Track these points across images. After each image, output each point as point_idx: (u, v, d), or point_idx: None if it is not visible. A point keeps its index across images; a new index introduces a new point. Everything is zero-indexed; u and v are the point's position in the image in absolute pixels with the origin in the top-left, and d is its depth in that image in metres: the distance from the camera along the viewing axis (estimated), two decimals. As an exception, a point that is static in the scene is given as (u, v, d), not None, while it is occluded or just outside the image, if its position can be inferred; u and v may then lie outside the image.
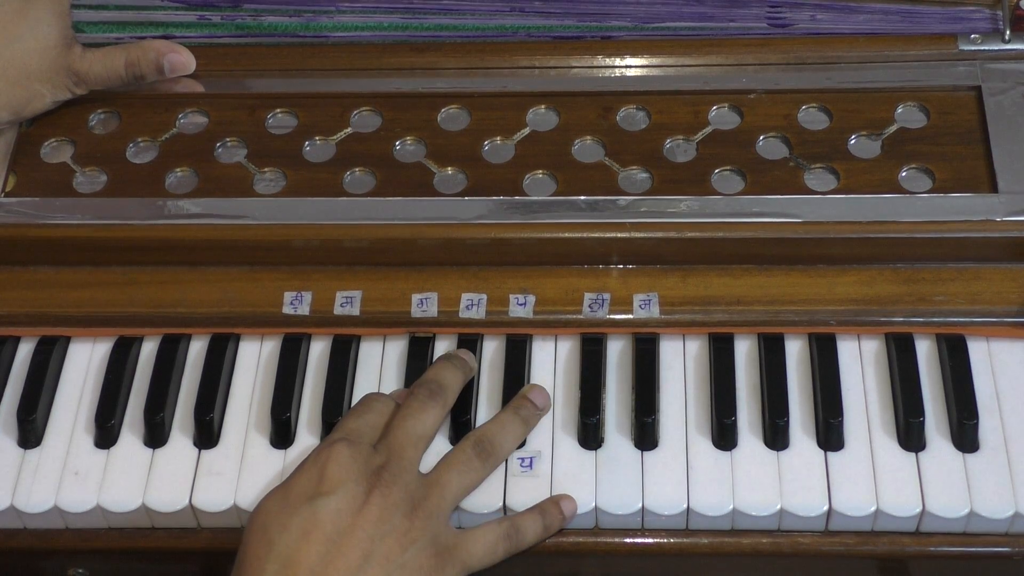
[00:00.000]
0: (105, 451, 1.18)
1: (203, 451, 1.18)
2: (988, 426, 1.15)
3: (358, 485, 1.05)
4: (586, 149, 1.27)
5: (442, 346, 1.21)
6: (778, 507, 1.12)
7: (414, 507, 1.06)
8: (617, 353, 1.21)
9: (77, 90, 1.30)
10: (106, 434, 1.19)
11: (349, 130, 1.29)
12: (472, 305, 1.21)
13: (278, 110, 1.30)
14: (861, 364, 1.19)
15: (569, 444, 1.16)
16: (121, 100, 1.32)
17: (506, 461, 1.15)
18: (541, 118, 1.29)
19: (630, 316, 1.20)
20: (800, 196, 1.21)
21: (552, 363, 1.20)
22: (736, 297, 1.20)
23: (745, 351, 1.20)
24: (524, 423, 1.15)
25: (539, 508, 1.12)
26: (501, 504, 1.13)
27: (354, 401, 1.19)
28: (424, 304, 1.21)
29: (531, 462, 1.15)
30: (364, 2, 1.35)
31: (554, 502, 1.13)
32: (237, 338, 1.23)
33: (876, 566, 1.16)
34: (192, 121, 1.31)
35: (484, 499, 1.14)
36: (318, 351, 1.22)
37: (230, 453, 1.18)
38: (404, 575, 1.04)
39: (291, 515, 1.04)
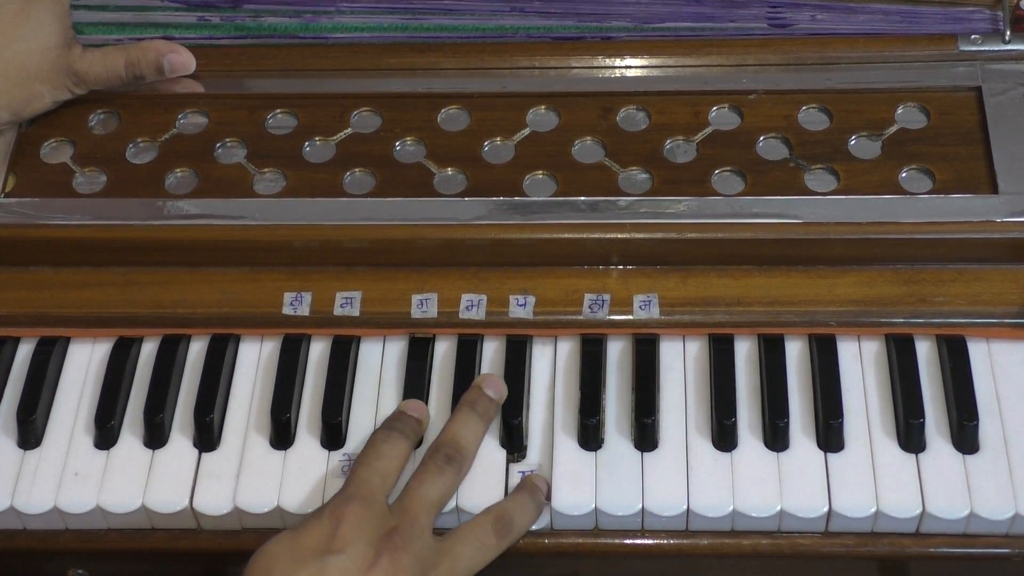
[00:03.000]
0: (105, 452, 1.18)
1: (203, 452, 1.18)
2: (988, 427, 1.15)
3: (369, 547, 1.04)
4: (586, 150, 1.26)
5: (442, 347, 1.21)
6: (778, 508, 1.12)
7: (423, 574, 1.05)
8: (617, 354, 1.21)
9: (77, 90, 1.30)
10: (106, 435, 1.18)
11: (349, 130, 1.29)
12: (472, 306, 1.21)
13: (278, 110, 1.30)
14: (861, 365, 1.19)
15: (569, 445, 1.16)
16: (121, 100, 1.32)
17: (507, 469, 1.16)
18: (541, 118, 1.29)
19: (630, 317, 1.20)
20: (800, 197, 1.21)
21: (552, 364, 1.20)
22: (736, 298, 1.20)
23: (745, 352, 1.20)
24: (538, 508, 1.14)
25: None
26: (501, 506, 1.13)
27: (354, 402, 1.19)
28: (424, 305, 1.21)
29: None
30: (364, 3, 1.35)
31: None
32: (237, 339, 1.23)
33: (876, 567, 1.16)
34: (192, 121, 1.31)
35: (487, 504, 1.14)
36: (318, 352, 1.22)
37: (230, 454, 1.18)
38: None
39: (299, 566, 1.03)
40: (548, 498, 1.14)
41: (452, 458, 1.12)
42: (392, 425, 1.14)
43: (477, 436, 1.15)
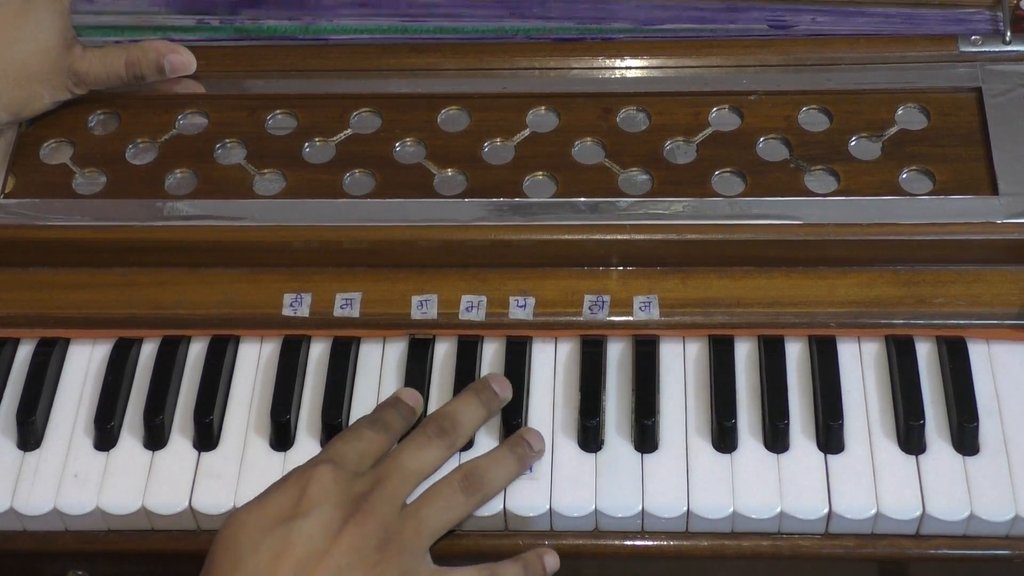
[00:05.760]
0: (105, 453, 1.18)
1: (203, 453, 1.18)
2: (988, 429, 1.15)
3: (335, 510, 1.04)
4: (586, 150, 1.26)
5: (442, 348, 1.21)
6: (778, 510, 1.12)
7: (387, 540, 1.04)
8: (617, 355, 1.20)
9: (77, 90, 1.30)
10: (106, 436, 1.18)
11: (349, 131, 1.29)
12: (472, 307, 1.21)
13: (278, 111, 1.30)
14: (861, 366, 1.19)
15: (569, 446, 1.16)
16: (120, 101, 1.32)
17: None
18: (541, 119, 1.29)
19: (630, 318, 1.20)
20: (800, 198, 1.21)
21: (552, 365, 1.20)
22: (736, 299, 1.20)
23: (745, 353, 1.20)
24: (519, 462, 1.13)
25: (522, 561, 1.10)
26: (501, 508, 1.13)
27: (354, 403, 1.19)
28: (424, 306, 1.21)
29: (531, 466, 1.15)
30: (363, 8, 1.35)
31: (538, 556, 1.11)
32: (237, 340, 1.23)
33: (876, 569, 1.16)
34: (192, 122, 1.31)
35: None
36: (318, 353, 1.22)
37: (230, 455, 1.18)
38: None
39: (265, 534, 1.02)
40: (539, 451, 1.14)
41: (446, 431, 1.11)
42: (383, 410, 1.14)
43: (476, 419, 1.14)
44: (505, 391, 1.16)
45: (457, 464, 1.13)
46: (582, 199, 1.22)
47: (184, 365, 1.22)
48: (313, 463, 1.07)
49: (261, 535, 1.03)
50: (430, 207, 1.23)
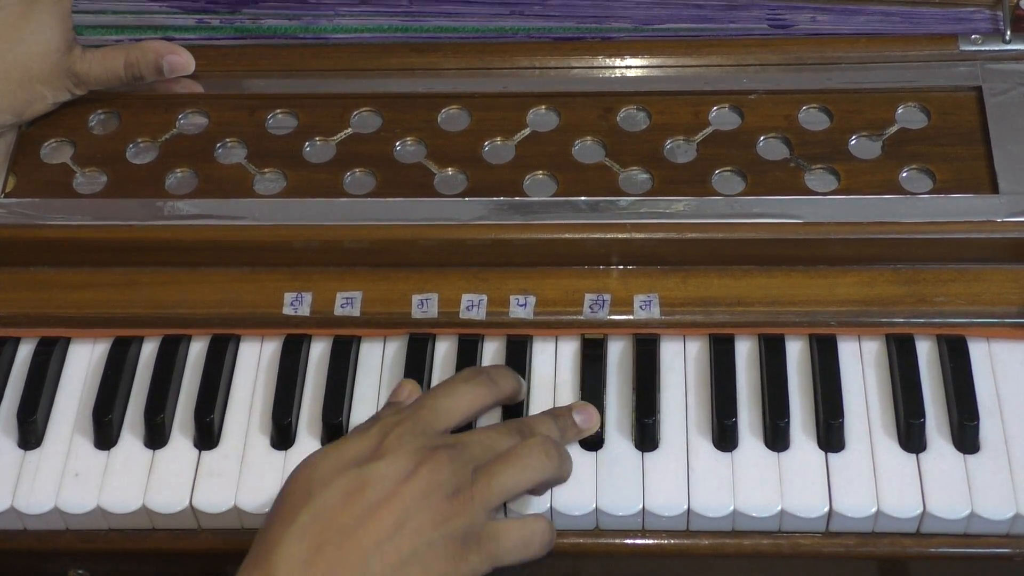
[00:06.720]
0: (105, 452, 1.18)
1: (203, 452, 1.18)
2: (989, 427, 1.14)
3: (410, 457, 1.04)
4: (586, 150, 1.26)
5: (442, 347, 1.21)
6: (779, 508, 1.12)
7: (458, 490, 1.04)
8: (618, 354, 1.21)
9: (77, 91, 1.30)
10: (104, 431, 1.18)
11: (349, 131, 1.29)
12: (472, 306, 1.21)
13: (278, 111, 1.30)
14: (862, 365, 1.19)
15: (570, 445, 1.16)
16: (121, 101, 1.32)
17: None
18: (541, 119, 1.29)
19: (631, 317, 1.20)
20: (801, 197, 1.21)
21: (552, 364, 1.20)
22: (737, 298, 1.20)
23: (746, 352, 1.20)
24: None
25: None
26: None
27: (355, 402, 1.19)
28: (424, 305, 1.21)
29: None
30: (364, 6, 1.35)
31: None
32: (237, 339, 1.23)
33: (877, 567, 1.16)
34: (192, 122, 1.31)
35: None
36: (318, 352, 1.22)
37: (230, 454, 1.18)
38: (430, 553, 1.02)
39: (338, 474, 1.03)
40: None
41: (524, 434, 1.09)
42: (482, 368, 1.14)
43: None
44: (590, 424, 1.15)
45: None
46: (582, 198, 1.22)
47: (185, 364, 1.22)
48: (397, 420, 1.07)
49: (334, 474, 1.03)
50: (430, 206, 1.23)
